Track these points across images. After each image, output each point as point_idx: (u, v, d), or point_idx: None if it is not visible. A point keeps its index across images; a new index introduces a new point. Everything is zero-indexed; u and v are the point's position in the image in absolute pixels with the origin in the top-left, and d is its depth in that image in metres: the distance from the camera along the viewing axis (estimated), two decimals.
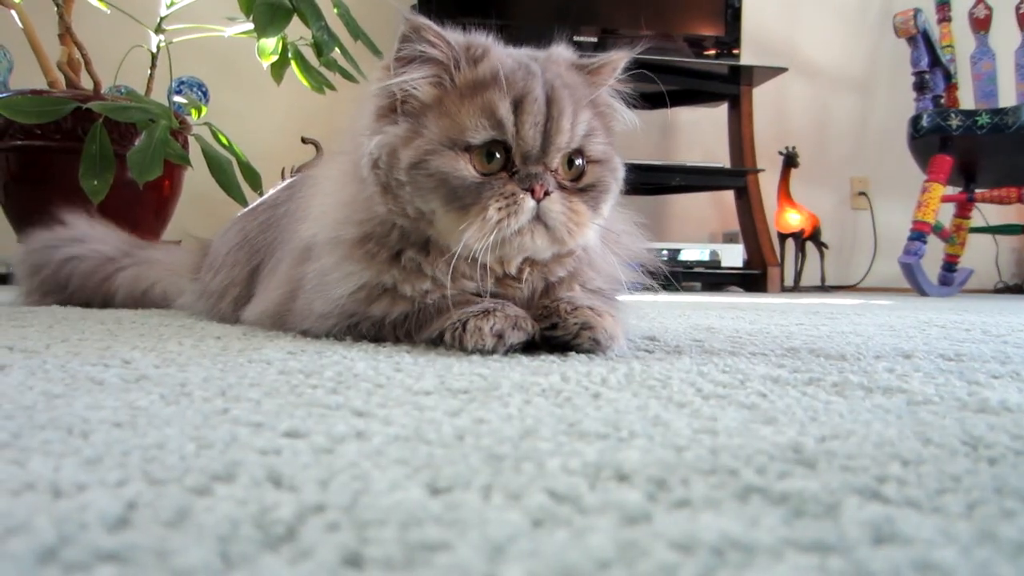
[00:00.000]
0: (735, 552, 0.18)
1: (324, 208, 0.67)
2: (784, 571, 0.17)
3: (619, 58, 0.64)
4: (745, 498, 0.22)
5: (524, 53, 0.63)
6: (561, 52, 0.64)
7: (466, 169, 0.56)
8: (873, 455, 0.27)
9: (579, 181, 0.60)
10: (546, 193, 0.57)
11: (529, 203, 0.56)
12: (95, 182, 1.42)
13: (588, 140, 0.60)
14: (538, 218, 0.57)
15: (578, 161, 0.60)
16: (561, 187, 0.59)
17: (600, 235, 0.65)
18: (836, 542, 0.19)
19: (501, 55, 0.60)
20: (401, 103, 0.60)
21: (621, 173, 0.64)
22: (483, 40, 0.62)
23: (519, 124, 0.57)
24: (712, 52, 2.56)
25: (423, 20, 0.58)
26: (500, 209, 0.56)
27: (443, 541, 0.19)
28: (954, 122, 2.17)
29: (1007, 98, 2.40)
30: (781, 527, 0.20)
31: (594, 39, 2.45)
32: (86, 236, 1.12)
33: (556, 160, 0.59)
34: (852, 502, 0.22)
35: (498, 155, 0.57)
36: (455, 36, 0.60)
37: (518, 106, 0.57)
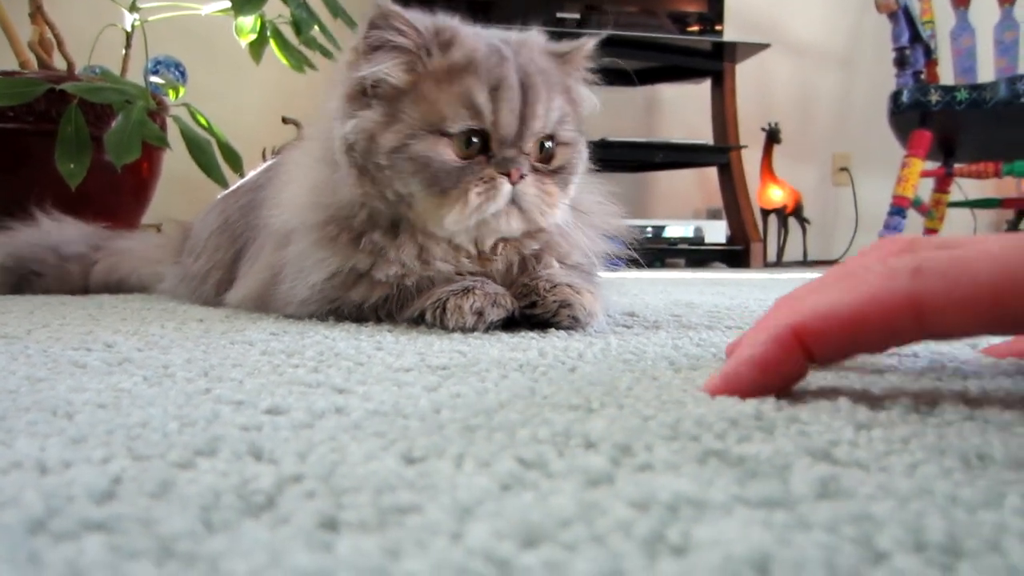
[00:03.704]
0: (688, 508, 0.19)
1: (293, 193, 0.68)
2: (731, 524, 0.18)
3: (588, 44, 0.66)
4: (704, 461, 0.23)
5: (495, 36, 0.63)
6: (535, 37, 0.65)
7: (446, 154, 0.58)
8: (829, 420, 0.28)
9: (550, 163, 0.62)
10: (521, 176, 0.59)
11: (506, 187, 0.58)
12: (72, 165, 1.40)
13: (560, 125, 0.61)
14: (513, 201, 0.59)
15: (548, 144, 0.62)
16: (534, 169, 0.60)
17: (572, 212, 0.66)
18: (783, 498, 0.20)
19: (473, 39, 0.60)
20: (372, 87, 0.60)
21: (586, 154, 0.66)
22: (451, 23, 0.62)
23: (496, 111, 0.58)
24: (695, 28, 2.55)
25: (392, 7, 0.58)
26: (479, 194, 0.58)
27: (415, 504, 0.20)
28: (934, 98, 2.19)
29: (986, 74, 2.41)
30: (734, 486, 0.21)
31: (576, 15, 2.44)
32: (54, 241, 1.10)
33: (530, 144, 0.60)
34: (803, 463, 0.23)
35: (476, 140, 0.58)
36: (423, 21, 0.60)
37: (494, 93, 0.58)
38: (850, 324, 0.29)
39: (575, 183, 0.65)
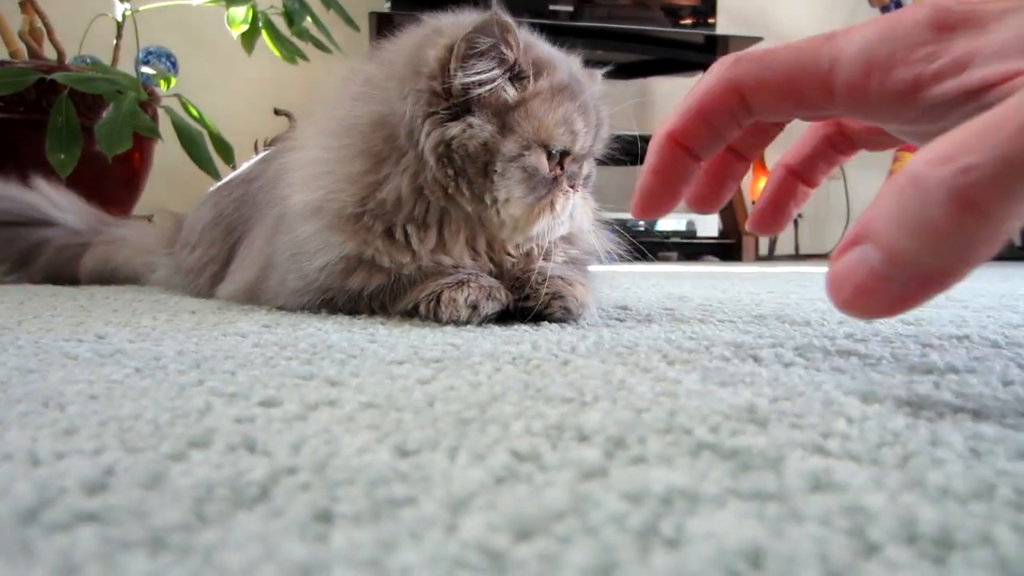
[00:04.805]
0: (682, 501, 0.19)
1: (317, 177, 0.64)
2: (724, 516, 0.18)
3: (600, 73, 0.72)
4: (697, 454, 0.24)
5: (554, 53, 0.65)
6: (578, 63, 0.68)
7: (547, 167, 0.62)
8: (821, 413, 0.28)
9: (581, 171, 0.66)
10: (576, 190, 0.64)
11: (571, 198, 0.64)
12: (62, 155, 1.39)
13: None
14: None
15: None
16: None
17: None
18: (776, 491, 0.20)
19: (552, 57, 0.63)
20: (470, 97, 0.59)
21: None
22: (528, 37, 0.63)
23: (586, 137, 0.63)
24: (688, 21, 2.55)
25: (509, 20, 0.59)
26: (562, 202, 0.63)
27: (409, 497, 0.20)
28: None
29: None
30: (727, 479, 0.21)
31: (570, 8, 2.43)
32: (55, 212, 1.11)
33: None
34: (796, 455, 0.23)
35: (559, 155, 0.62)
36: (519, 39, 0.60)
37: (584, 117, 0.62)
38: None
39: None
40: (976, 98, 0.28)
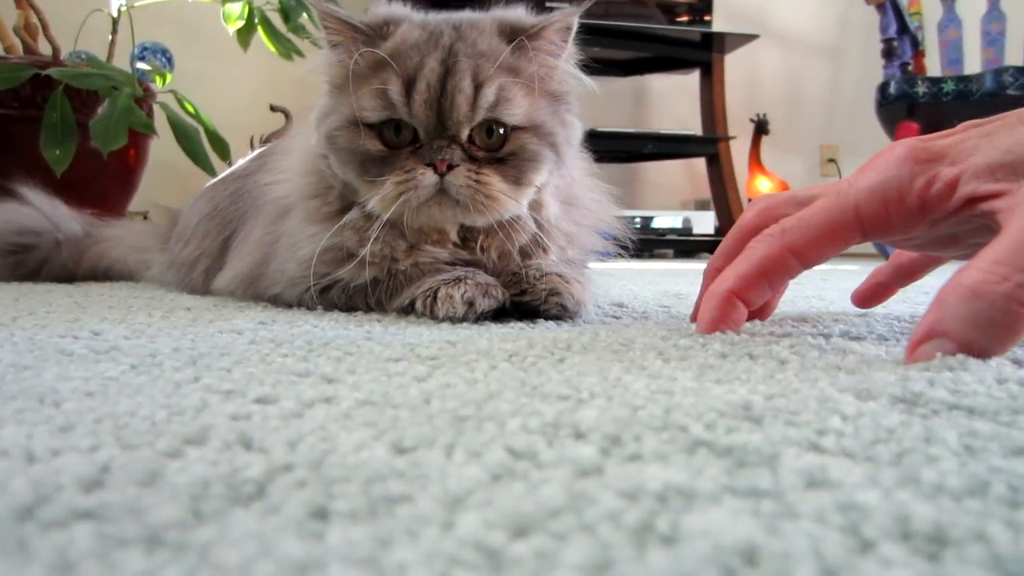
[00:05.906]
0: (677, 498, 0.19)
1: (293, 162, 0.69)
2: (720, 514, 0.18)
3: (560, 20, 0.62)
4: (692, 451, 0.24)
5: (447, 21, 0.62)
6: (494, 16, 0.63)
7: (370, 144, 0.59)
8: (816, 410, 0.28)
9: (499, 151, 0.60)
10: (449, 167, 0.57)
11: (430, 177, 0.57)
12: (57, 151, 1.38)
13: (502, 109, 0.59)
14: (444, 191, 0.58)
15: (500, 131, 0.59)
16: (473, 158, 0.59)
17: (564, 201, 0.66)
18: (771, 488, 0.20)
19: (410, 31, 0.61)
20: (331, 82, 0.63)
21: (562, 136, 0.62)
22: (402, 14, 0.63)
23: (411, 103, 0.58)
24: (684, 18, 2.55)
25: (323, 6, 0.60)
26: (399, 183, 0.58)
27: (405, 494, 0.20)
28: (921, 89, 2.20)
29: (972, 65, 2.43)
30: (723, 476, 0.21)
31: (565, 5, 2.43)
32: (51, 225, 1.10)
33: (464, 133, 0.59)
34: (791, 453, 0.23)
35: (403, 130, 0.59)
36: (370, 16, 0.61)
37: (411, 84, 0.58)
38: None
39: (538, 169, 0.61)
40: (967, 208, 0.40)
